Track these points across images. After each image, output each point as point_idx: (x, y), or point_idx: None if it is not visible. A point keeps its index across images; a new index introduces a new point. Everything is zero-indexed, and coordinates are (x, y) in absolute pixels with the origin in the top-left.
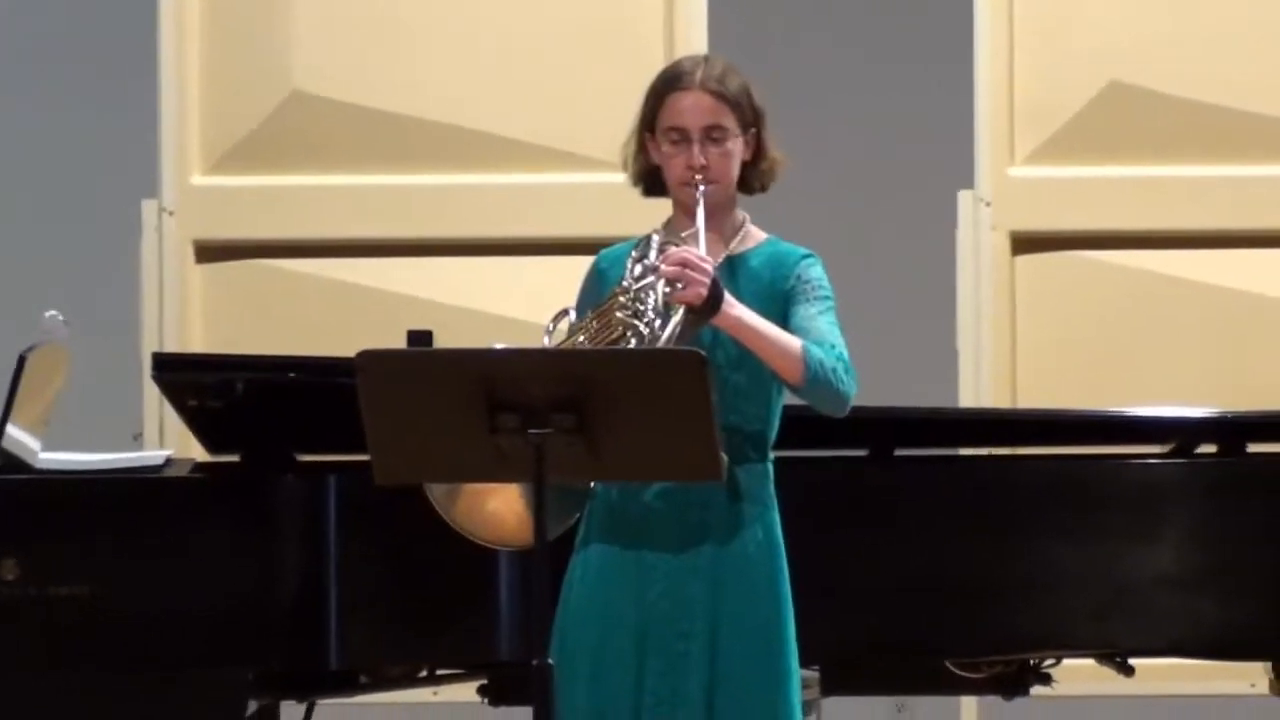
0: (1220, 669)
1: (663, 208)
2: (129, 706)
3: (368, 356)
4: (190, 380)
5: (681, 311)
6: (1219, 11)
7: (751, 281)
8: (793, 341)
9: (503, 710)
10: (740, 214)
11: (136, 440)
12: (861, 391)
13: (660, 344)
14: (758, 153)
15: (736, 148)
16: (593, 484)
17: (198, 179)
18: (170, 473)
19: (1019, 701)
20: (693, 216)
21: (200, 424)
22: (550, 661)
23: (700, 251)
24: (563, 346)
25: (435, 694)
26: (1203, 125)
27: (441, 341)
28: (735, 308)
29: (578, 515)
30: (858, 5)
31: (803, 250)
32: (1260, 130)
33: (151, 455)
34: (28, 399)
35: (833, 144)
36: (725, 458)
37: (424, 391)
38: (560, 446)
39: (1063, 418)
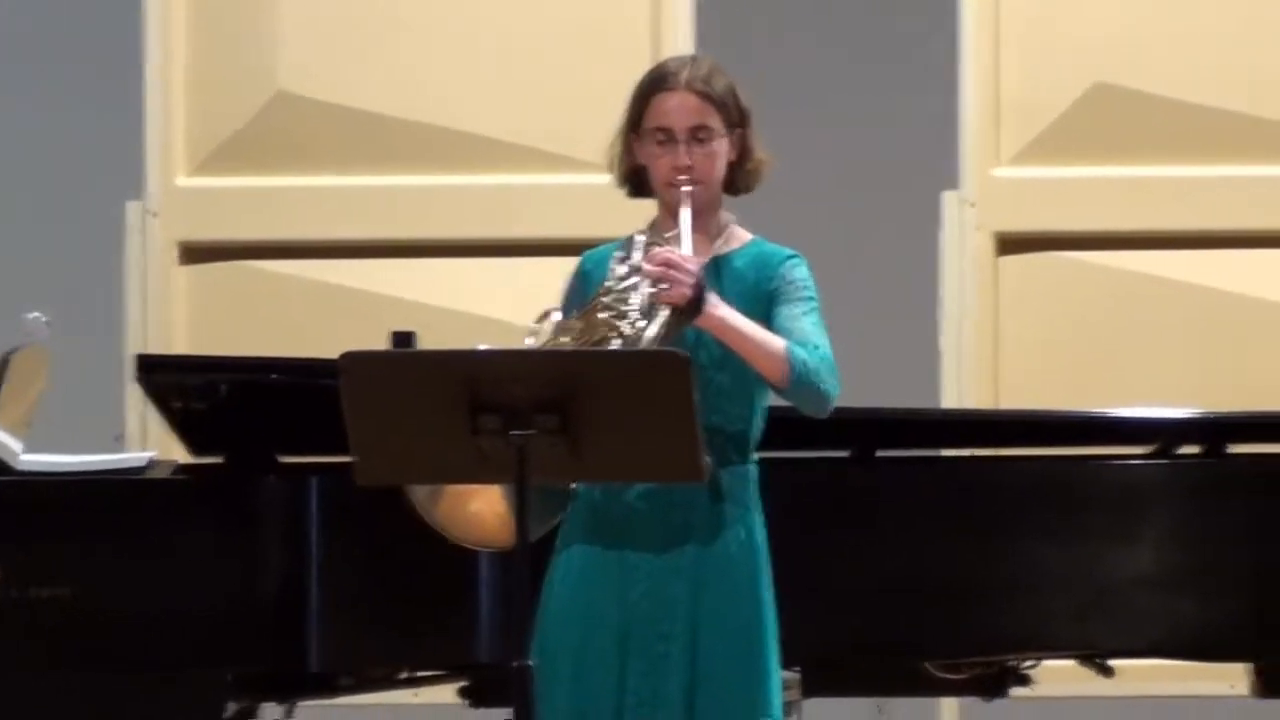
0: (1200, 670)
1: (649, 208)
2: (110, 707)
3: (350, 358)
4: (174, 382)
5: (665, 312)
6: (1204, 12)
7: (736, 282)
8: (776, 342)
9: (483, 712)
10: (725, 215)
11: (118, 441)
12: (844, 392)
13: (644, 345)
14: (743, 153)
15: (722, 148)
16: (575, 485)
17: (182, 180)
18: (153, 474)
19: (998, 703)
20: (678, 217)
21: (183, 426)
22: (531, 663)
23: (685, 252)
24: (546, 347)
25: (416, 695)
26: (1188, 126)
27: (426, 343)
28: (719, 308)
29: (560, 516)
30: (843, 5)
31: (787, 251)
32: (1245, 130)
33: (135, 456)
34: (10, 401)
35: (818, 144)
36: (708, 459)
37: (407, 393)
38: (543, 447)
39: (1045, 418)
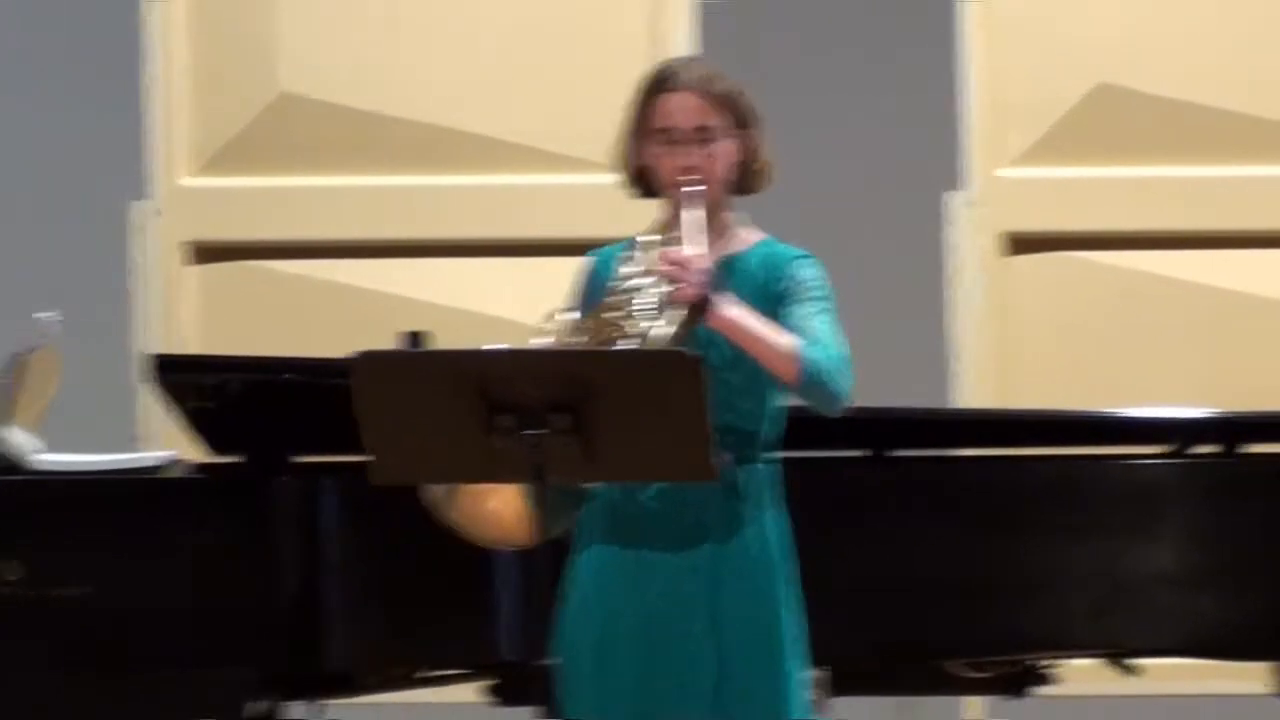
0: (1222, 669)
1: (656, 208)
2: (127, 707)
3: (363, 357)
4: (188, 381)
5: (676, 312)
6: (1208, 13)
7: (746, 282)
8: (787, 341)
9: (506, 710)
10: (735, 214)
11: (134, 442)
12: (855, 393)
13: (655, 345)
14: (750, 154)
15: (726, 148)
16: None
17: (187, 180)
18: (169, 473)
19: (1022, 702)
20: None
21: (198, 425)
22: (554, 661)
23: (693, 251)
24: (558, 347)
25: (435, 694)
26: (1192, 126)
27: (436, 343)
28: (729, 308)
29: (578, 513)
30: (847, 5)
31: (797, 251)
32: (1250, 130)
33: (156, 456)
34: (25, 401)
35: (823, 146)
36: (723, 457)
37: (419, 392)
38: (556, 447)
39: (1059, 418)
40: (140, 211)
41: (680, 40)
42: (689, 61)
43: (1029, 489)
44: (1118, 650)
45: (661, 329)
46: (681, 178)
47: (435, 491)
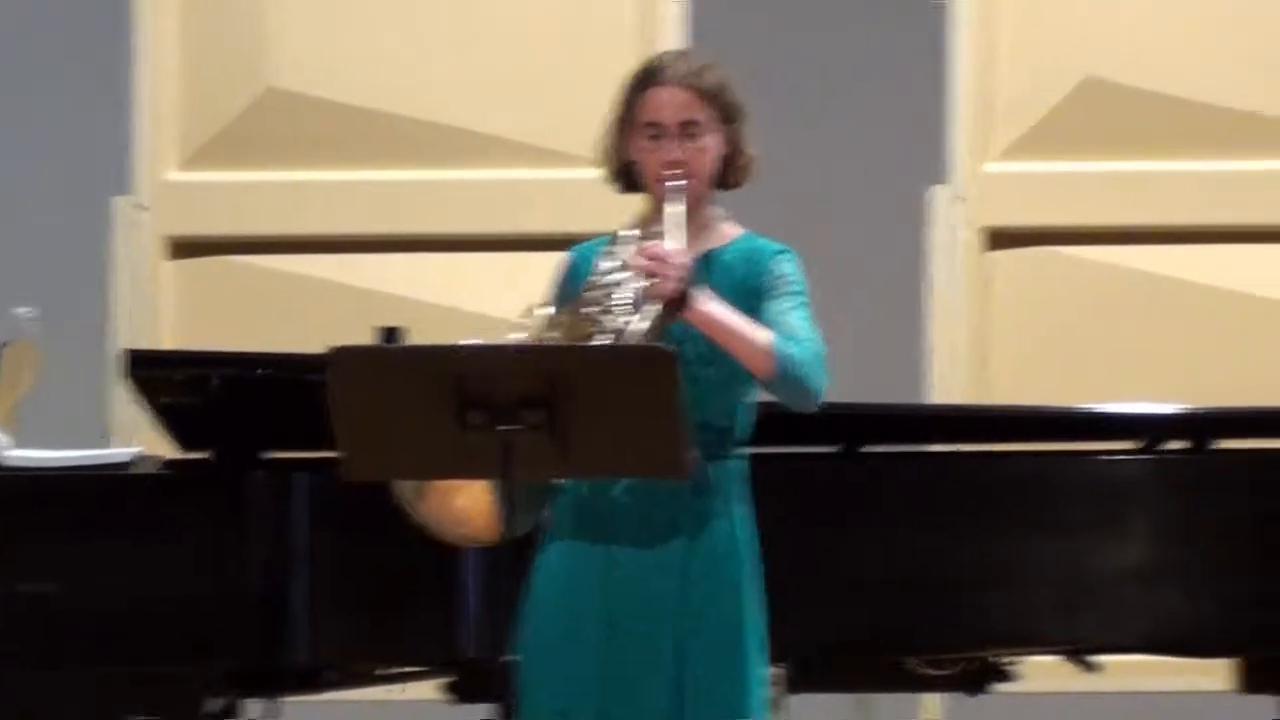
0: (1185, 665)
1: (640, 203)
2: (94, 702)
3: (338, 353)
4: (162, 377)
5: (653, 307)
6: (1195, 7)
7: (725, 277)
8: (762, 337)
9: (466, 708)
10: (716, 210)
11: (105, 437)
12: (832, 388)
13: (631, 340)
14: (735, 149)
15: (712, 143)
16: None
17: (172, 175)
18: (139, 469)
19: (981, 699)
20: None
21: (171, 421)
22: (515, 657)
23: (674, 246)
24: (532, 342)
25: (401, 691)
26: (1178, 120)
27: (415, 338)
28: (706, 303)
29: (545, 511)
30: (833, 1)
31: (777, 245)
32: (1236, 125)
33: (122, 452)
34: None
35: (807, 139)
36: (696, 454)
37: (393, 388)
38: (529, 443)
39: (1032, 414)
40: (124, 206)
41: (669, 34)
42: (677, 56)
43: (999, 485)
44: (1083, 647)
45: (637, 324)
46: (666, 172)
47: (405, 488)
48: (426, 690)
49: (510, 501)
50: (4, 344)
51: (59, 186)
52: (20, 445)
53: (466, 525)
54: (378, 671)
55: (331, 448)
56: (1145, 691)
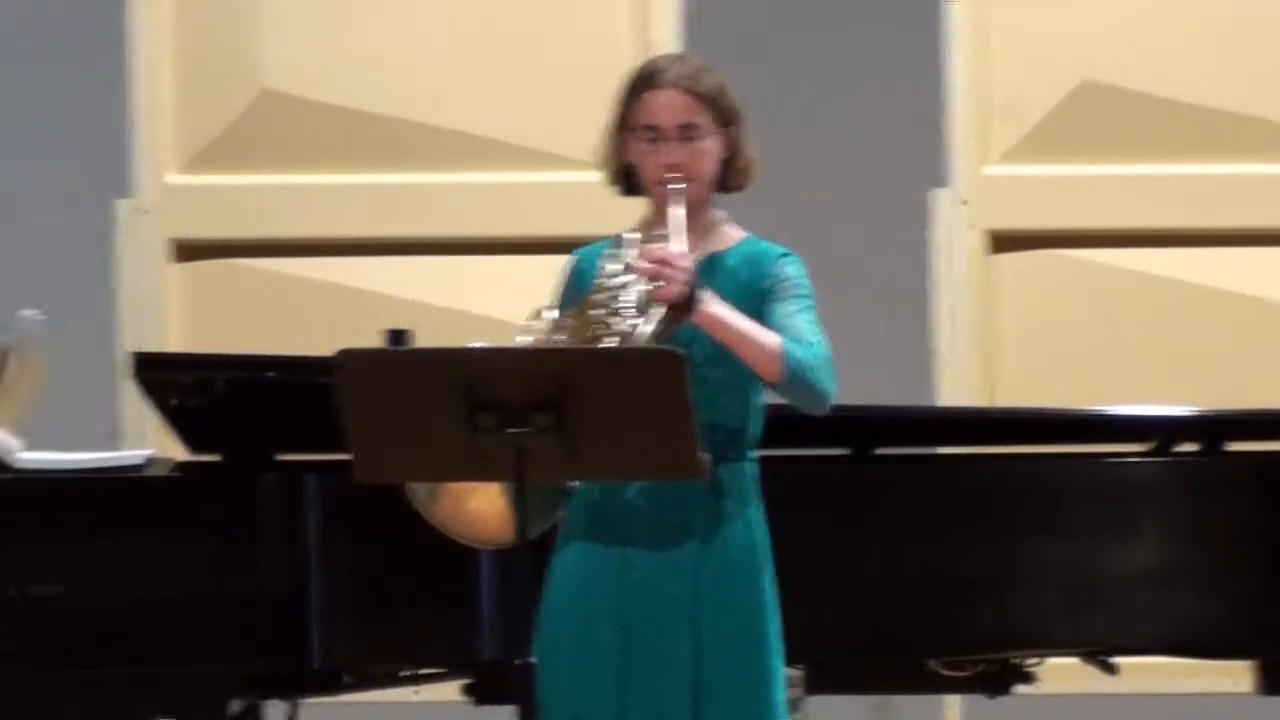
0: (1203, 667)
1: (641, 206)
2: (110, 706)
3: (347, 355)
4: (171, 379)
5: (660, 310)
6: (1193, 10)
7: (729, 280)
8: (771, 339)
9: (485, 710)
10: (718, 212)
11: (113, 440)
12: (839, 391)
13: (639, 342)
14: (734, 152)
15: (711, 146)
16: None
17: (173, 178)
18: (151, 472)
19: (1003, 700)
20: (668, 215)
21: (180, 423)
22: (532, 660)
23: (677, 249)
24: (541, 345)
25: (417, 693)
26: (1178, 123)
27: (418, 341)
28: (713, 305)
29: (560, 512)
30: (832, 3)
31: (781, 249)
32: (1235, 128)
33: (133, 455)
34: (5, 398)
35: (808, 143)
36: (707, 456)
37: (403, 390)
38: (539, 446)
39: (1041, 417)
40: (125, 209)
41: (667, 36)
42: (675, 58)
43: (1011, 487)
44: (1098, 648)
45: (644, 327)
46: (666, 175)
47: (418, 490)
48: (444, 692)
49: (524, 504)
50: (10, 347)
51: (59, 189)
52: (27, 448)
53: (480, 528)
54: (395, 673)
55: (343, 450)
56: (1165, 694)
